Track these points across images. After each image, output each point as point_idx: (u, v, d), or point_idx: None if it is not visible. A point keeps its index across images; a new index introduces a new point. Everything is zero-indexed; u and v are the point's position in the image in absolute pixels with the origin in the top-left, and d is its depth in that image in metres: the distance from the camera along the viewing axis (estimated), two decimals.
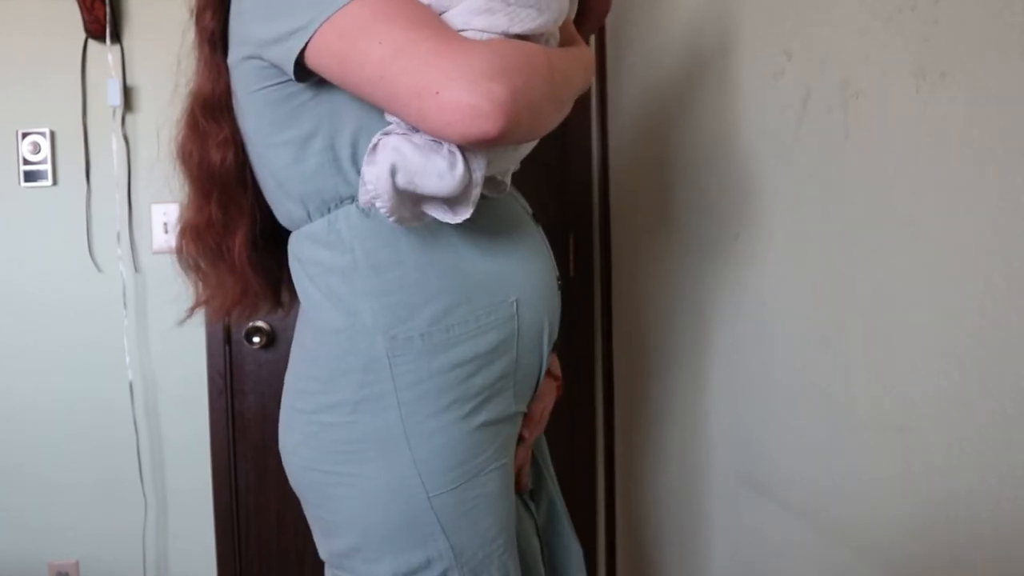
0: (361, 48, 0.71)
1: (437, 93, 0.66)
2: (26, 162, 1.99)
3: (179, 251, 0.96)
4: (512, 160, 0.89)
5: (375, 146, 0.73)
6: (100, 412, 2.03)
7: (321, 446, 0.85)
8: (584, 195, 1.96)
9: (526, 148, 0.90)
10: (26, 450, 2.04)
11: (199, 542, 2.06)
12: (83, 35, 1.98)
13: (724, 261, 1.35)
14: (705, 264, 1.42)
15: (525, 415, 0.95)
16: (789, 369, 1.17)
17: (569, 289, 1.97)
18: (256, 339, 1.98)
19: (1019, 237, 0.77)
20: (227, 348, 2.01)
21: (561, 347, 1.98)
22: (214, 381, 2.01)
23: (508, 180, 0.91)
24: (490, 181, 0.87)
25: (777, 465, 1.22)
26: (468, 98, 0.66)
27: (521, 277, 0.88)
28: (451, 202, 0.75)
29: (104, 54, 1.99)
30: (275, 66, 0.79)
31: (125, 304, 2.00)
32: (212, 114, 0.93)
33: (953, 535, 0.87)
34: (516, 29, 0.75)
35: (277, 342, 2.00)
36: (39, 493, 2.04)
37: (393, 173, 0.71)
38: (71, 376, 2.02)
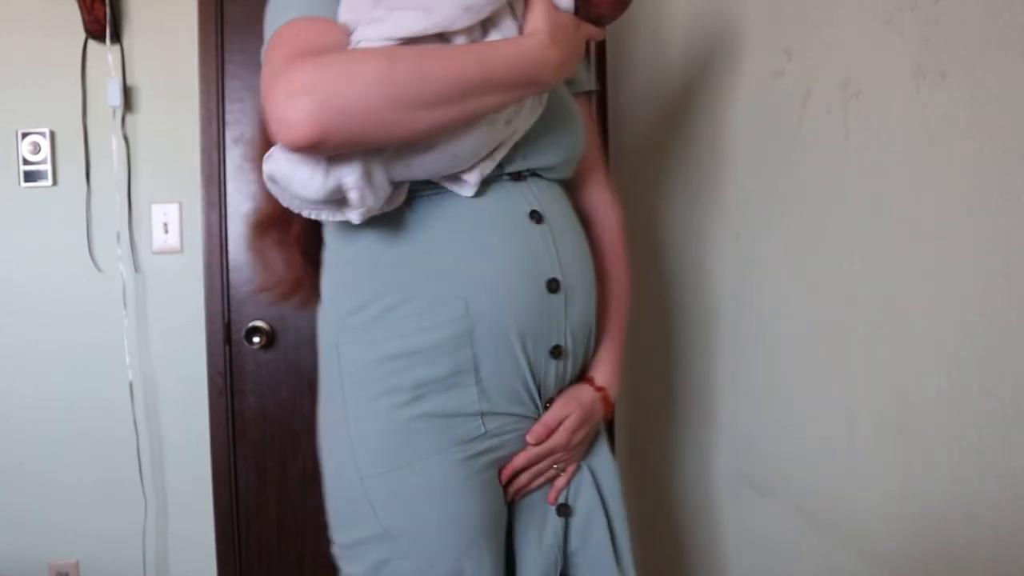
0: (268, 58, 0.80)
1: (265, 108, 0.74)
2: (26, 162, 1.99)
3: (250, 241, 1.06)
4: (443, 164, 0.86)
5: (268, 154, 0.81)
6: (100, 412, 2.03)
7: (320, 428, 0.96)
8: None
9: (456, 153, 0.86)
10: (26, 450, 2.04)
11: (199, 542, 2.06)
12: (83, 35, 1.98)
13: (724, 261, 1.35)
14: (705, 264, 1.42)
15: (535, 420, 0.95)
16: (789, 369, 1.17)
17: None
18: (256, 339, 1.98)
19: (1019, 237, 0.77)
20: (227, 348, 2.01)
21: None
22: (214, 381, 2.01)
23: (472, 178, 0.88)
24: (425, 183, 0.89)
25: (777, 465, 1.22)
26: (278, 111, 0.72)
27: (475, 277, 0.87)
28: (338, 204, 0.82)
29: (104, 54, 1.99)
30: None
31: (125, 304, 2.00)
32: None
33: (954, 536, 0.87)
34: (404, 33, 0.78)
35: (277, 342, 2.00)
36: (39, 493, 2.04)
37: (272, 180, 0.81)
38: (71, 376, 2.02)
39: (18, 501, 2.04)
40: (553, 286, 0.91)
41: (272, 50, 0.79)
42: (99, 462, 2.04)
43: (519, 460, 0.94)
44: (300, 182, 0.78)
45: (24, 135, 1.99)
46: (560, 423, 0.95)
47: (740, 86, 1.28)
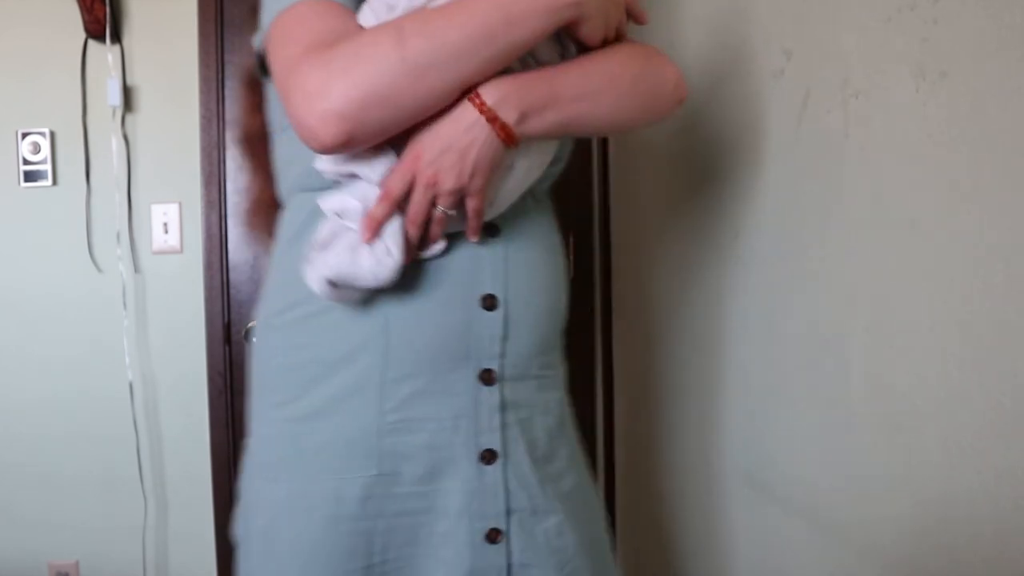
0: (275, 54, 0.76)
1: (291, 113, 0.72)
2: (26, 162, 1.99)
3: (249, 226, 1.05)
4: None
5: (309, 260, 0.77)
6: (100, 412, 2.03)
7: None
8: (584, 195, 1.96)
9: (509, 190, 0.82)
10: (26, 450, 2.04)
11: (199, 541, 2.06)
12: (83, 35, 1.98)
13: (724, 261, 1.35)
14: (705, 264, 1.42)
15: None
16: (789, 368, 1.17)
17: (569, 289, 1.97)
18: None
19: (1019, 237, 0.77)
20: (227, 348, 2.01)
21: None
22: (214, 381, 2.01)
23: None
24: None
25: (777, 464, 1.22)
26: (299, 118, 0.71)
27: (399, 290, 0.80)
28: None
29: (104, 54, 1.99)
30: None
31: (125, 304, 2.00)
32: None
33: (952, 535, 0.87)
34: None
35: None
36: (39, 493, 2.05)
37: (333, 286, 0.76)
38: (71, 376, 2.02)
39: (18, 500, 2.04)
40: (488, 303, 0.83)
41: (277, 44, 0.76)
42: (99, 462, 2.04)
43: (376, 211, 0.76)
44: (369, 273, 0.74)
45: (24, 135, 1.99)
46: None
47: (740, 86, 1.28)
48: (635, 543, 1.83)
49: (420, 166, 0.75)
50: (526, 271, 0.86)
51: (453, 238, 0.81)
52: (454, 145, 0.75)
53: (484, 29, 0.71)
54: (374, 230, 0.75)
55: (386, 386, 0.80)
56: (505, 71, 0.76)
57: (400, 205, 0.76)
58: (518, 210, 0.86)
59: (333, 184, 0.80)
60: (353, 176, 0.77)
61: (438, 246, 0.80)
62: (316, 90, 0.69)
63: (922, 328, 0.91)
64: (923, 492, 0.92)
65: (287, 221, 0.88)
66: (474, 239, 0.80)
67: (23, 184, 1.99)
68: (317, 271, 0.75)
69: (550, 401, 0.91)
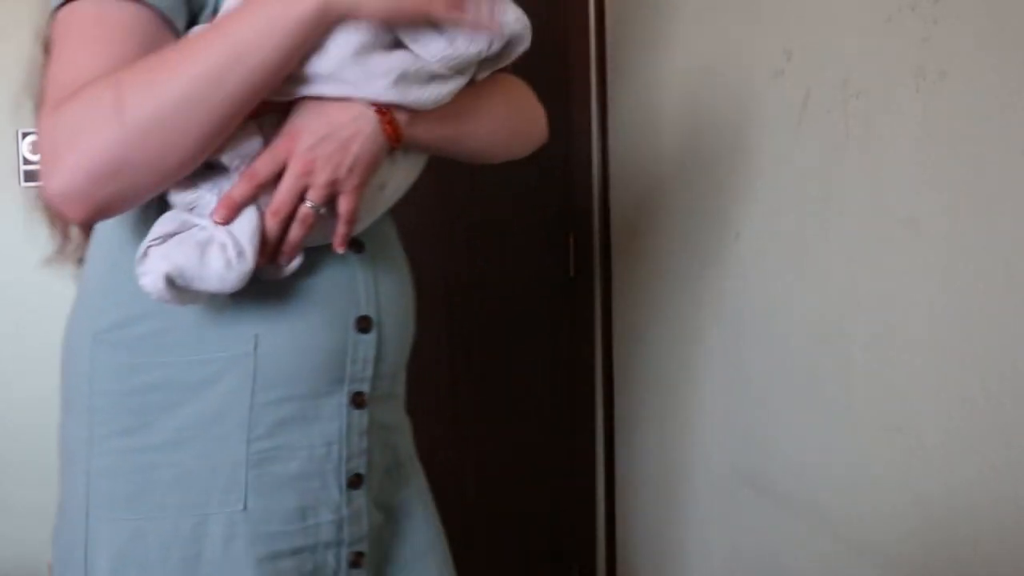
0: (48, 63, 0.67)
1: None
2: (26, 162, 1.99)
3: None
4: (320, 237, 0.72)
5: (144, 253, 0.65)
6: None
7: (59, 442, 0.81)
8: (584, 195, 1.96)
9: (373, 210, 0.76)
10: (26, 448, 2.04)
11: None
12: None
13: (724, 261, 1.35)
14: (705, 264, 1.42)
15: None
16: (789, 368, 1.17)
17: (569, 289, 1.97)
18: None
19: (1019, 237, 0.77)
20: None
21: (561, 347, 1.99)
22: None
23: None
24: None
25: (777, 464, 1.22)
26: (46, 192, 0.61)
27: (269, 309, 0.72)
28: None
29: None
30: None
31: None
32: None
33: (952, 533, 0.87)
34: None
35: None
36: (39, 491, 2.04)
37: (170, 282, 0.64)
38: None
39: (18, 499, 2.04)
40: (363, 324, 0.77)
41: (53, 51, 0.65)
42: None
43: (235, 192, 0.66)
44: (216, 275, 0.64)
45: (24, 135, 1.99)
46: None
47: (740, 86, 1.28)
48: (634, 543, 1.83)
49: (296, 149, 0.66)
50: (394, 290, 0.81)
51: (315, 255, 0.73)
52: (337, 133, 0.67)
53: (208, 71, 0.60)
54: (231, 212, 0.65)
55: (254, 412, 0.72)
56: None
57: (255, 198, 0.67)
58: (378, 226, 0.81)
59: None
60: (208, 165, 0.66)
61: (295, 261, 0.70)
62: (48, 164, 0.61)
63: (922, 328, 0.91)
64: (923, 491, 0.92)
65: (122, 216, 0.73)
66: (340, 250, 0.71)
67: (23, 184, 1.99)
68: (155, 266, 0.64)
69: (405, 420, 0.89)
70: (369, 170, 0.70)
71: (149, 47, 0.63)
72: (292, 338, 0.73)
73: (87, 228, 0.85)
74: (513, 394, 1.93)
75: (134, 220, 0.73)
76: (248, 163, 0.66)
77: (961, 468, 0.86)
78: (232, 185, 0.66)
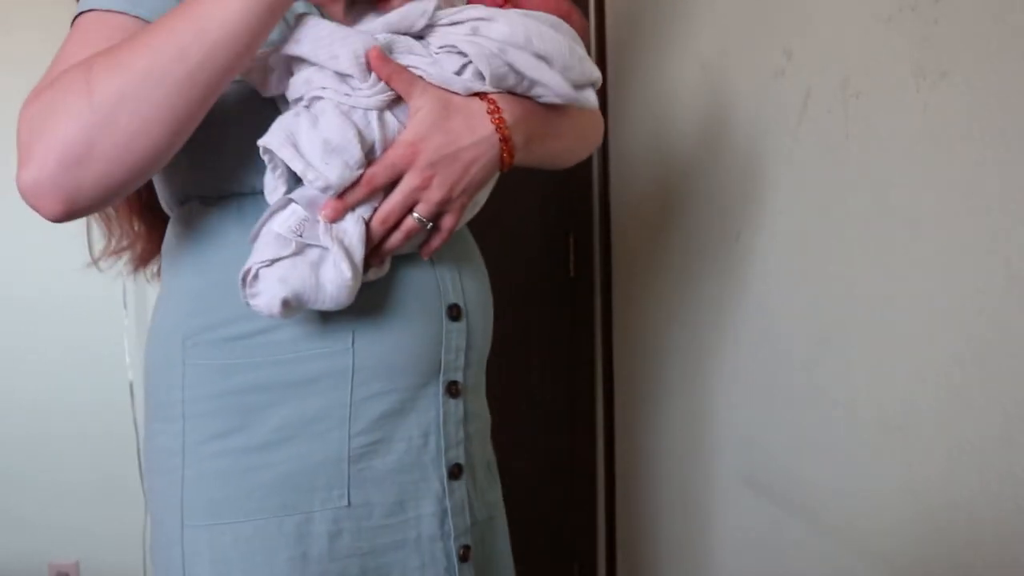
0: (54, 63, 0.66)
1: None
2: None
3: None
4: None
5: (254, 275, 0.65)
6: (100, 412, 2.03)
7: (146, 454, 0.80)
8: (584, 195, 1.96)
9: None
10: (26, 450, 2.04)
11: None
12: None
13: (724, 261, 1.35)
14: (705, 264, 1.43)
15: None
16: (790, 369, 1.18)
17: (569, 289, 1.97)
18: None
19: (1019, 237, 0.77)
20: None
21: (561, 347, 1.98)
22: None
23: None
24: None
25: (778, 466, 1.22)
26: (20, 187, 0.60)
27: (365, 302, 0.71)
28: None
29: None
30: None
31: (125, 304, 2.00)
32: None
33: (954, 536, 0.87)
34: None
35: None
36: (39, 493, 2.05)
37: (285, 304, 0.65)
38: (71, 376, 2.02)
39: (18, 501, 2.04)
40: (454, 313, 0.77)
41: (56, 56, 0.65)
42: (99, 462, 2.04)
43: (350, 196, 0.66)
44: (331, 296, 0.65)
45: None
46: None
47: (740, 86, 1.28)
48: (634, 543, 1.83)
49: (417, 163, 0.66)
50: (475, 279, 0.81)
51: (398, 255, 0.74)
52: (460, 155, 0.67)
53: (170, 45, 0.59)
54: (339, 214, 0.65)
55: (355, 407, 0.72)
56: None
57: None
58: None
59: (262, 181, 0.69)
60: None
61: (385, 265, 0.71)
62: (23, 154, 0.59)
63: (922, 328, 0.91)
64: (924, 493, 0.92)
65: (205, 217, 0.74)
66: (426, 258, 0.73)
67: None
68: (270, 288, 0.64)
69: (487, 408, 0.88)
70: (477, 192, 0.71)
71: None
72: (388, 331, 0.73)
73: (148, 225, 0.84)
74: (513, 394, 1.93)
75: (218, 220, 0.73)
76: (343, 179, 0.65)
77: (962, 470, 0.86)
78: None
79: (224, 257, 0.70)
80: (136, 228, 0.89)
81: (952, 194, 0.85)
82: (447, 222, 0.71)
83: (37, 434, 2.04)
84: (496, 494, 0.89)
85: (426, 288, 0.75)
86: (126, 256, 0.93)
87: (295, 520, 0.71)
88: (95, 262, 0.94)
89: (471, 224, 0.85)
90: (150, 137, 0.60)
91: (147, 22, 0.64)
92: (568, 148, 0.84)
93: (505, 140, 0.69)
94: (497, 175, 0.76)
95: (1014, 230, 0.78)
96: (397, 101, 0.67)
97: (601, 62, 1.90)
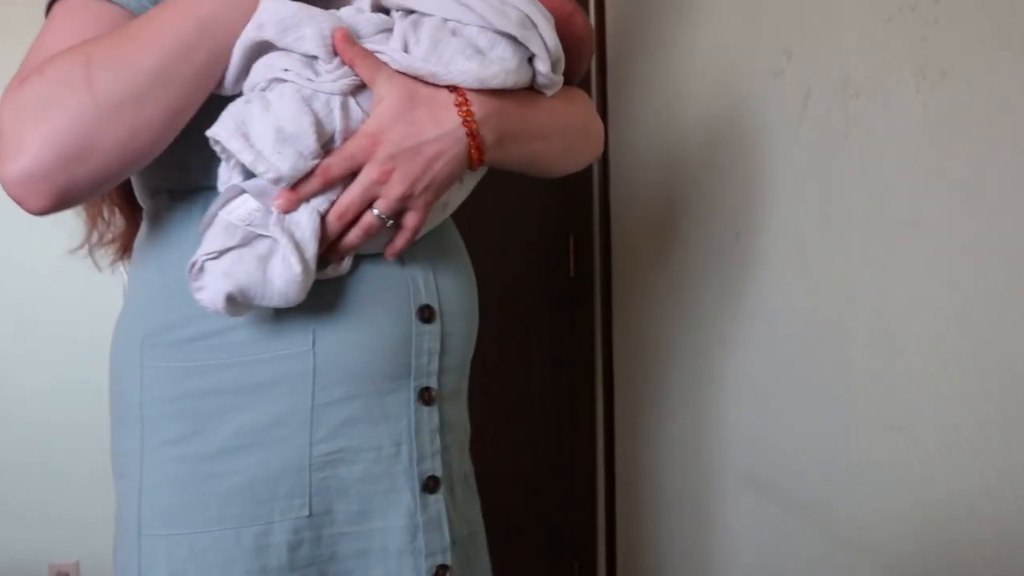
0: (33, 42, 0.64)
1: None
2: None
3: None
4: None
5: (200, 268, 0.62)
6: (101, 412, 2.02)
7: (112, 455, 0.77)
8: (584, 195, 1.96)
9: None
10: (26, 449, 2.04)
11: None
12: None
13: (724, 261, 1.35)
14: (705, 264, 1.43)
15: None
16: (789, 369, 1.18)
17: (569, 289, 1.97)
18: None
19: (1019, 237, 0.77)
20: None
21: (561, 347, 1.98)
22: None
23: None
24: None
25: (777, 464, 1.22)
26: (4, 180, 0.59)
27: (326, 300, 0.68)
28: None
29: None
30: None
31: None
32: None
33: (954, 535, 0.87)
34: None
35: None
36: (39, 492, 2.05)
37: (231, 300, 0.62)
38: (72, 376, 2.02)
39: (18, 499, 2.04)
40: (426, 314, 0.72)
41: (33, 44, 0.63)
42: (100, 461, 2.04)
43: (305, 187, 0.62)
44: (279, 291, 0.62)
45: None
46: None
47: (740, 86, 1.28)
48: (634, 543, 1.83)
49: (376, 155, 0.62)
50: (455, 279, 0.76)
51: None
52: (423, 148, 0.63)
53: (177, 45, 0.59)
54: (293, 205, 0.61)
55: (317, 413, 0.68)
56: None
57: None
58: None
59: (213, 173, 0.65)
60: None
61: (345, 263, 0.67)
62: (10, 143, 0.57)
63: (922, 328, 0.91)
64: (923, 492, 0.92)
65: (168, 213, 0.72)
66: (391, 258, 0.69)
67: None
68: (214, 283, 0.61)
69: (467, 418, 0.84)
70: (444, 190, 0.67)
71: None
72: (351, 332, 0.69)
73: (127, 215, 0.82)
74: (513, 394, 1.93)
75: (183, 215, 0.70)
76: (293, 171, 0.61)
77: (961, 468, 0.86)
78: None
79: (184, 254, 0.65)
80: (117, 218, 0.87)
81: (952, 194, 0.85)
82: (410, 220, 0.66)
83: (38, 434, 2.04)
84: (475, 509, 0.83)
85: (394, 287, 0.71)
86: (112, 247, 0.91)
87: (253, 532, 0.68)
88: (74, 251, 0.92)
89: (465, 222, 0.81)
90: (152, 133, 0.60)
91: (129, 11, 0.62)
92: (554, 152, 0.78)
93: (473, 135, 0.65)
94: (478, 175, 0.73)
95: (1014, 230, 0.78)
96: (362, 88, 0.64)
97: (601, 62, 1.90)
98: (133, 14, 0.62)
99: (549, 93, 0.71)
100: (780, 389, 1.20)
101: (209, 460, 0.68)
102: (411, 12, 0.66)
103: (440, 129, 0.64)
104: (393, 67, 0.63)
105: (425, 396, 0.73)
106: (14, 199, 0.60)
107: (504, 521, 1.91)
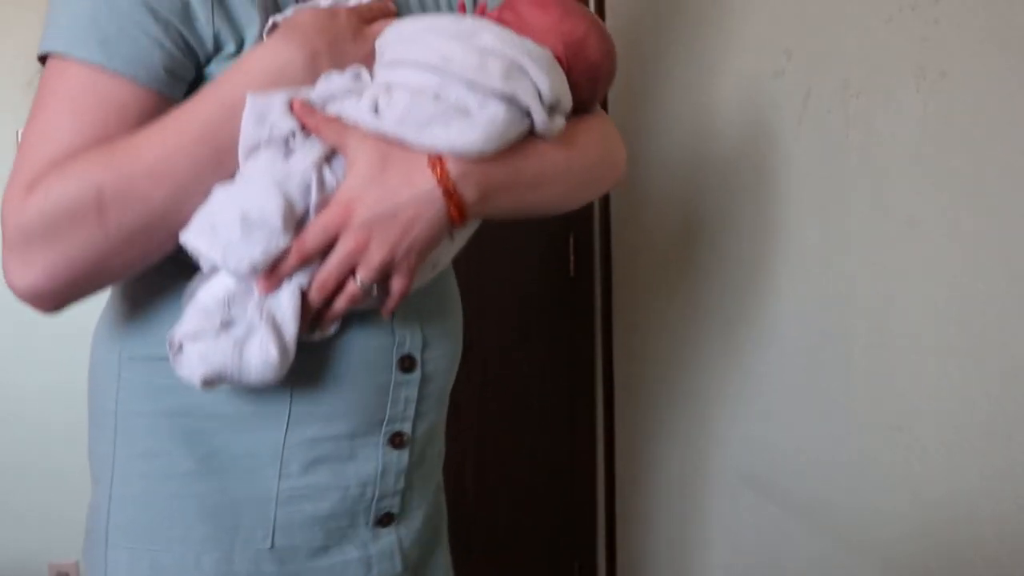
0: (28, 121, 0.63)
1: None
2: None
3: None
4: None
5: (179, 346, 0.61)
6: None
7: (89, 452, 0.79)
8: None
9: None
10: (26, 450, 2.04)
11: None
12: None
13: (724, 261, 1.35)
14: (705, 265, 1.43)
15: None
16: (789, 368, 1.18)
17: (569, 289, 1.97)
18: None
19: (1019, 237, 0.77)
20: None
21: (561, 347, 1.98)
22: None
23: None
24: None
25: (777, 464, 1.22)
26: (11, 284, 0.60)
27: (301, 352, 0.66)
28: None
29: None
30: None
31: None
32: None
33: (953, 534, 0.87)
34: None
35: None
36: (39, 492, 2.05)
37: (210, 383, 0.61)
38: (72, 375, 2.02)
39: (18, 500, 2.04)
40: (407, 364, 0.71)
41: (33, 109, 0.62)
42: None
43: (283, 266, 0.60)
44: (257, 372, 0.60)
45: None
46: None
47: (740, 86, 1.28)
48: (634, 543, 1.83)
49: (350, 223, 0.59)
50: (441, 323, 0.75)
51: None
52: (398, 213, 0.60)
53: (190, 170, 0.58)
54: (273, 286, 0.60)
55: (287, 450, 0.68)
56: None
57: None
58: None
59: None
60: None
61: (331, 327, 0.65)
62: (17, 254, 0.59)
63: (922, 328, 0.91)
64: (923, 492, 0.92)
65: None
66: (386, 316, 0.66)
67: None
68: (191, 364, 0.60)
69: (441, 436, 0.83)
70: (428, 253, 0.64)
71: (139, 125, 0.59)
72: (331, 380, 0.68)
73: None
74: (513, 394, 1.93)
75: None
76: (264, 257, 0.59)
77: (961, 468, 0.86)
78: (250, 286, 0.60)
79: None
80: None
81: (952, 194, 0.85)
82: (396, 285, 0.63)
83: (38, 434, 2.04)
84: (432, 531, 0.83)
85: (377, 338, 0.69)
86: None
87: (215, 557, 0.68)
88: None
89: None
90: (164, 251, 0.61)
91: (134, 84, 0.60)
92: (553, 198, 0.73)
93: (450, 195, 0.61)
94: (471, 228, 0.70)
95: (1014, 230, 0.78)
96: (335, 154, 0.61)
97: None
98: (139, 87, 0.60)
99: (549, 137, 0.66)
100: (780, 389, 1.20)
101: (177, 480, 0.68)
102: (393, 65, 0.63)
103: (415, 191, 0.60)
104: (363, 130, 0.60)
105: (396, 440, 0.72)
106: (20, 300, 0.62)
107: (504, 521, 1.91)
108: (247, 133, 0.59)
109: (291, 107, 0.60)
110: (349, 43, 0.64)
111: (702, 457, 1.48)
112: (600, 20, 0.79)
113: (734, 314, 1.34)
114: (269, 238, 0.58)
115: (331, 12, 0.64)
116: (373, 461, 0.71)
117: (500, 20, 0.68)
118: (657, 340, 1.66)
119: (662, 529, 1.67)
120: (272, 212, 0.58)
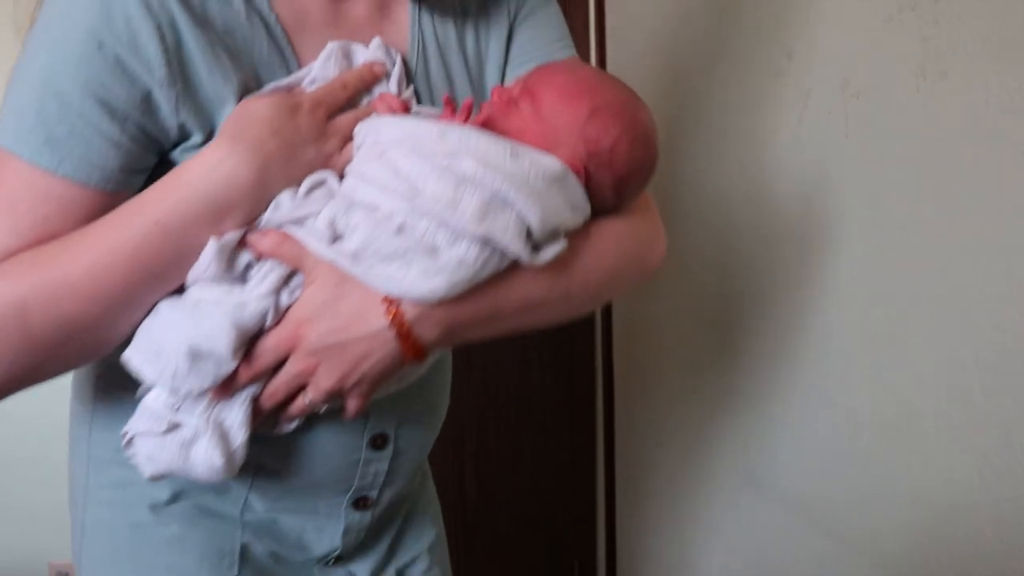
0: None
1: None
2: None
3: None
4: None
5: (130, 440, 0.60)
6: None
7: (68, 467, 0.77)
8: None
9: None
10: (26, 448, 2.04)
11: None
12: None
13: (724, 261, 1.35)
14: (705, 265, 1.43)
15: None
16: (790, 369, 1.18)
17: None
18: None
19: (1019, 237, 0.77)
20: None
21: (561, 346, 1.98)
22: None
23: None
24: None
25: (777, 463, 1.22)
26: None
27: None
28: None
29: None
30: None
31: None
32: None
33: (953, 534, 0.87)
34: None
35: None
36: (40, 491, 2.04)
37: (157, 477, 0.60)
38: (72, 375, 2.02)
39: (18, 499, 2.04)
40: (379, 442, 0.69)
41: None
42: None
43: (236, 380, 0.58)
44: (204, 469, 0.58)
45: None
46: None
47: (740, 86, 1.28)
48: (634, 543, 1.84)
49: (300, 346, 0.57)
50: (419, 395, 0.71)
51: None
52: (348, 346, 0.56)
53: (122, 294, 0.55)
54: (224, 396, 0.58)
55: (254, 492, 0.69)
56: None
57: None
58: None
59: None
60: None
61: (290, 426, 0.63)
62: None
63: (922, 328, 0.91)
64: (924, 492, 0.92)
65: None
66: (348, 419, 0.63)
67: None
68: (142, 461, 0.60)
69: (424, 469, 0.83)
70: (378, 384, 0.60)
71: (88, 222, 0.55)
72: (297, 456, 0.67)
73: None
74: (513, 394, 1.93)
75: None
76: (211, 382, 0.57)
77: (961, 467, 0.86)
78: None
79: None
80: None
81: (952, 194, 0.85)
82: (350, 406, 0.60)
83: (38, 433, 2.04)
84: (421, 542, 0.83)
85: (348, 421, 0.65)
86: None
87: None
88: None
89: None
90: (96, 356, 0.59)
91: (74, 182, 0.55)
92: (548, 318, 0.64)
93: (404, 337, 0.56)
94: (441, 349, 0.66)
95: (1014, 230, 0.78)
96: (295, 273, 0.58)
97: (601, 63, 1.90)
98: (88, 189, 0.55)
99: (539, 265, 0.58)
100: (781, 388, 1.20)
101: (146, 510, 0.68)
102: (361, 178, 0.58)
103: (367, 328, 0.56)
104: (318, 256, 0.57)
105: (360, 503, 0.72)
106: None
107: (504, 521, 1.91)
108: (201, 267, 0.56)
109: (245, 242, 0.56)
110: (309, 146, 0.58)
111: (702, 456, 1.48)
112: (642, 111, 0.68)
113: (733, 314, 1.34)
114: (218, 367, 0.56)
115: (292, 105, 0.58)
116: (335, 519, 0.72)
117: (511, 109, 0.61)
118: (657, 340, 1.66)
119: (662, 529, 1.67)
120: (224, 347, 0.55)
